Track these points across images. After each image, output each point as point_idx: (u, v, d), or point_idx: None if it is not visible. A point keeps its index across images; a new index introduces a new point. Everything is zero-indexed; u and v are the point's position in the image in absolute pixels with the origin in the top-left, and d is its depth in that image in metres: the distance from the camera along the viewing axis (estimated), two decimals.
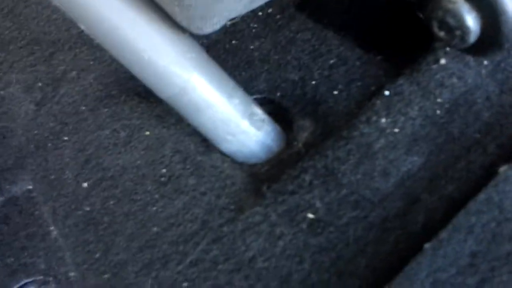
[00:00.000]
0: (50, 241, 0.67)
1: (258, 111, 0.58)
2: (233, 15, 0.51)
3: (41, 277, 0.64)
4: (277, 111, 0.66)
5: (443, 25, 0.46)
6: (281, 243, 0.50)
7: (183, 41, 0.52)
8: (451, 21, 0.45)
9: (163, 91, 0.53)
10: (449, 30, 0.46)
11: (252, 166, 0.63)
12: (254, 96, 0.66)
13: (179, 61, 0.52)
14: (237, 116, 0.56)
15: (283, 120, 0.65)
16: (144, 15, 0.50)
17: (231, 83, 0.56)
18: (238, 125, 0.56)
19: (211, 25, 0.49)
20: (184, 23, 0.50)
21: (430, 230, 0.44)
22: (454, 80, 0.53)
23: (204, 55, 0.54)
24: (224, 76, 0.56)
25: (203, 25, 0.49)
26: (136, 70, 0.52)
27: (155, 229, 0.57)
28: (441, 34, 0.47)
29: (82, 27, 0.51)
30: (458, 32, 0.45)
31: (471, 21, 0.45)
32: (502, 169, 0.44)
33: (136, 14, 0.50)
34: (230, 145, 0.58)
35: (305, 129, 0.62)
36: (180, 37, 0.51)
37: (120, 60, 0.52)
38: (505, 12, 0.43)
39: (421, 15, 0.50)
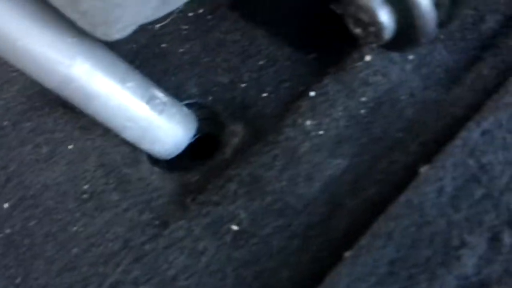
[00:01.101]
0: None
1: (159, 94, 0.54)
2: (142, 21, 0.48)
3: None
4: (209, 116, 0.64)
5: (357, 21, 0.44)
6: (204, 258, 0.48)
7: (61, 25, 0.48)
8: (364, 17, 0.43)
9: (46, 81, 0.49)
10: (364, 26, 0.44)
11: (183, 176, 0.61)
12: (186, 101, 0.64)
13: (58, 47, 0.48)
14: (134, 100, 0.52)
15: (216, 125, 0.63)
16: (13, 1, 0.46)
17: (122, 66, 0.52)
18: (137, 110, 0.52)
19: (118, 30, 0.46)
20: (88, 30, 0.46)
21: (352, 237, 0.42)
22: (379, 77, 0.51)
23: (88, 38, 0.50)
24: (114, 59, 0.52)
25: (108, 31, 0.46)
26: (13, 61, 0.48)
27: (75, 250, 0.54)
28: (357, 30, 0.45)
29: None
30: (372, 29, 0.43)
31: (384, 16, 0.43)
32: (423, 169, 0.42)
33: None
34: (132, 131, 0.54)
35: (235, 134, 0.60)
36: (56, 21, 0.47)
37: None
38: (418, 6, 0.41)
39: (338, 11, 0.48)
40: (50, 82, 0.48)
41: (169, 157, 0.58)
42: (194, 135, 0.59)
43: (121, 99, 0.51)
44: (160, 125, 0.54)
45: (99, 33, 0.47)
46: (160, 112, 0.53)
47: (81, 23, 0.46)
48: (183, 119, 0.56)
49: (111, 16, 0.44)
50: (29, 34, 0.45)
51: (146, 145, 0.55)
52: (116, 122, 0.52)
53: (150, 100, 0.52)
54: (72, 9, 0.43)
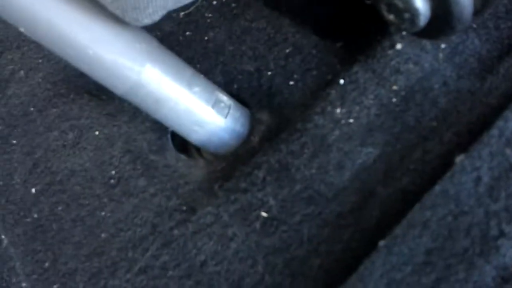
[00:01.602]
0: (1, 250, 0.64)
1: (223, 98, 0.55)
2: (171, 6, 0.48)
3: None
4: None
5: (391, 8, 0.43)
6: (233, 245, 0.47)
7: (130, 32, 0.48)
8: (399, 3, 0.42)
9: (116, 87, 0.50)
10: (398, 13, 0.43)
11: (209, 163, 0.61)
12: None
13: (128, 53, 0.49)
14: (201, 105, 0.53)
15: None
16: (82, 8, 0.47)
17: (189, 71, 0.53)
18: (204, 114, 0.53)
19: (147, 15, 0.46)
20: (118, 14, 0.47)
21: (385, 226, 0.41)
22: (410, 65, 0.51)
23: (155, 44, 0.51)
24: (181, 64, 0.53)
25: (138, 16, 0.46)
26: (84, 68, 0.49)
27: (103, 235, 0.54)
28: (391, 17, 0.44)
29: (22, 29, 0.48)
30: (407, 15, 0.43)
31: (420, 2, 0.42)
32: (459, 159, 0.41)
33: (72, 9, 0.47)
34: (199, 135, 0.54)
35: (262, 123, 0.60)
36: (125, 28, 0.48)
37: (67, 60, 0.49)
38: None
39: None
40: (119, 88, 0.49)
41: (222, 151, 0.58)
42: None
43: (188, 104, 0.51)
44: (226, 128, 0.54)
45: (129, 17, 0.47)
46: (226, 115, 0.54)
47: (112, 7, 0.46)
48: (246, 121, 0.57)
49: (141, 1, 0.44)
50: (101, 43, 0.46)
51: (212, 148, 0.56)
52: (184, 125, 0.53)
53: (215, 104, 0.53)
54: None
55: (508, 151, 0.40)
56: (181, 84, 0.51)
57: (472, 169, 0.40)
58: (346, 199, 0.46)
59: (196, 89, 0.52)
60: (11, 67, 0.74)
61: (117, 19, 0.47)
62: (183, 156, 0.60)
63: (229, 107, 0.55)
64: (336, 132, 0.50)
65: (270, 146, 0.53)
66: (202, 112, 0.53)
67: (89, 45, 0.48)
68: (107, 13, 0.47)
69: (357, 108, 0.50)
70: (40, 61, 0.74)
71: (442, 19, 0.43)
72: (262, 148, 0.54)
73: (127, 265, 0.51)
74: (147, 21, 0.47)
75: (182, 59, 0.58)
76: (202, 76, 0.55)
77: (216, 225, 0.49)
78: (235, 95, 0.63)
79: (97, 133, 0.62)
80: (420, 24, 0.43)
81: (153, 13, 0.46)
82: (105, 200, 0.56)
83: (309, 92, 0.58)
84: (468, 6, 0.42)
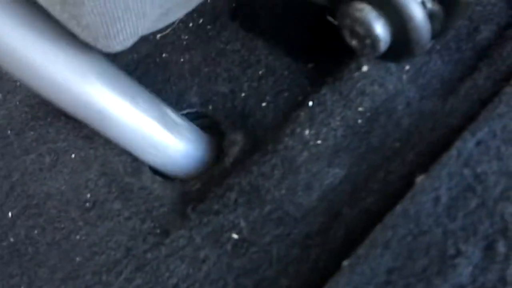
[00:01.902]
0: None
1: (170, 113, 0.56)
2: (142, 32, 0.49)
3: None
4: (210, 125, 0.65)
5: (353, 33, 0.45)
6: (205, 267, 0.48)
7: (75, 50, 0.49)
8: (360, 29, 0.44)
9: (65, 107, 0.51)
10: (360, 38, 0.45)
11: (184, 184, 0.61)
12: (187, 111, 0.65)
13: (74, 74, 0.50)
14: (146, 119, 0.54)
15: (217, 134, 0.64)
16: (27, 20, 0.47)
17: (134, 87, 0.54)
18: (149, 128, 0.54)
19: (119, 42, 0.47)
20: (90, 42, 0.48)
21: (350, 246, 0.42)
22: (375, 87, 0.52)
23: (99, 57, 0.51)
24: (126, 79, 0.53)
25: (109, 43, 0.47)
26: (36, 88, 0.49)
27: (78, 258, 0.54)
28: (353, 42, 0.46)
29: None
30: (368, 41, 0.44)
31: (380, 29, 0.44)
32: (419, 179, 0.43)
33: (18, 20, 0.47)
34: (147, 155, 0.56)
35: (236, 144, 0.61)
36: (70, 46, 0.49)
37: (13, 74, 0.49)
38: (412, 19, 0.42)
39: (334, 24, 0.49)
40: (69, 106, 0.49)
41: (181, 175, 0.59)
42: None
43: (136, 121, 0.52)
44: (175, 147, 0.55)
45: (101, 45, 0.48)
46: (172, 131, 0.54)
47: (83, 36, 0.47)
48: (195, 138, 0.57)
49: (112, 29, 0.45)
50: (51, 61, 0.47)
51: (161, 167, 0.57)
52: (132, 145, 0.54)
53: (161, 118, 0.53)
54: (74, 23, 0.44)
55: (465, 171, 0.41)
56: (126, 101, 0.52)
57: (432, 189, 0.41)
58: (314, 219, 0.47)
59: (140, 102, 0.53)
60: None
61: (61, 32, 0.48)
62: (158, 178, 0.61)
63: (176, 124, 0.56)
64: (305, 154, 0.51)
65: (242, 168, 0.54)
66: (147, 126, 0.54)
67: (38, 64, 0.48)
68: (52, 25, 0.47)
69: (324, 129, 0.51)
70: (17, 84, 0.74)
71: (401, 44, 0.45)
72: (235, 170, 0.55)
73: None
74: (119, 47, 0.48)
75: (158, 80, 0.59)
76: (147, 90, 0.55)
77: (189, 248, 0.50)
78: (210, 116, 0.64)
79: (73, 156, 0.63)
80: (380, 49, 0.45)
81: (125, 40, 0.47)
82: (80, 223, 0.57)
83: (281, 113, 0.59)
84: (426, 31, 0.44)
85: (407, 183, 0.44)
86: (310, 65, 0.63)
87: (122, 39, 0.47)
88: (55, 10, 0.40)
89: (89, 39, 0.47)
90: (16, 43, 0.46)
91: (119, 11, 0.40)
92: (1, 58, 0.47)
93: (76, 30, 0.46)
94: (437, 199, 0.40)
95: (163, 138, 0.54)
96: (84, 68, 0.49)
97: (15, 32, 0.46)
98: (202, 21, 0.71)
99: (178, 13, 0.53)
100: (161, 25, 0.52)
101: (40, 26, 0.47)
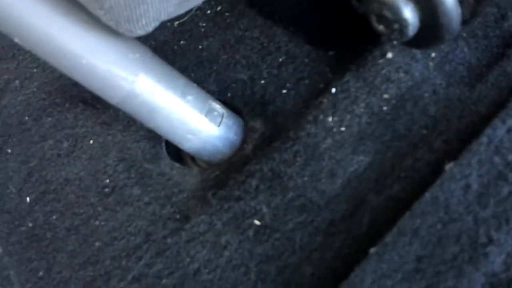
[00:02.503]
0: None
1: (216, 106, 0.56)
2: (164, 17, 0.48)
3: None
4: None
5: (381, 18, 0.44)
6: (226, 253, 0.48)
7: (123, 42, 0.49)
8: (388, 14, 0.43)
9: (110, 97, 0.50)
10: (387, 23, 0.44)
11: (203, 171, 0.61)
12: None
13: (121, 63, 0.50)
14: (194, 113, 0.53)
15: None
16: (75, 20, 0.48)
17: (182, 80, 0.54)
18: (197, 123, 0.54)
19: (141, 27, 0.47)
20: (112, 26, 0.47)
21: (376, 234, 0.42)
22: (401, 74, 0.51)
23: (149, 54, 0.51)
24: (174, 73, 0.53)
25: (131, 27, 0.46)
26: (78, 78, 0.49)
27: (97, 243, 0.54)
28: (380, 28, 0.45)
29: (16, 40, 0.48)
30: (396, 26, 0.43)
31: (409, 13, 0.43)
32: (448, 166, 0.42)
33: (66, 19, 0.47)
34: (192, 144, 0.55)
35: (255, 131, 0.60)
36: (118, 38, 0.49)
37: (61, 70, 0.49)
38: (443, 3, 0.41)
39: (359, 9, 0.48)
40: (113, 97, 0.49)
41: (216, 160, 0.58)
42: None
43: (182, 113, 0.52)
44: (219, 136, 0.55)
45: (123, 29, 0.47)
46: (219, 124, 0.54)
47: (106, 19, 0.46)
48: (239, 129, 0.57)
49: (135, 13, 0.44)
50: (94, 53, 0.47)
51: (206, 156, 0.57)
52: (177, 134, 0.53)
53: (208, 113, 0.53)
54: (97, 6, 0.44)
55: (496, 159, 0.40)
56: (174, 93, 0.52)
57: (462, 177, 0.40)
58: (338, 207, 0.46)
59: (189, 97, 0.53)
60: (6, 76, 0.74)
61: (110, 30, 0.48)
62: (177, 164, 0.61)
63: (222, 116, 0.56)
64: (328, 141, 0.50)
65: (263, 155, 0.53)
66: (196, 121, 0.54)
67: (83, 55, 0.48)
68: (101, 23, 0.47)
69: (348, 116, 0.51)
70: (35, 70, 0.74)
71: (430, 30, 0.44)
72: (256, 156, 0.54)
73: (120, 274, 0.51)
74: (141, 32, 0.48)
75: (175, 68, 0.58)
76: (195, 85, 0.55)
77: (210, 234, 0.49)
78: (229, 104, 0.64)
79: (91, 142, 0.63)
80: (409, 34, 0.44)
81: (147, 25, 0.46)
82: (100, 209, 0.56)
83: (302, 101, 0.58)
84: (456, 16, 0.43)
85: (435, 171, 0.43)
86: (330, 53, 0.62)
87: (145, 23, 0.47)
88: None
89: (111, 22, 0.47)
90: (67, 40, 0.46)
91: None
92: (50, 53, 0.47)
93: (99, 12, 0.45)
94: (467, 187, 0.40)
95: (210, 131, 0.54)
96: (135, 65, 0.49)
97: (66, 31, 0.46)
98: (220, 8, 0.70)
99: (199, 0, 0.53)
100: (182, 10, 0.52)
101: (90, 26, 0.46)
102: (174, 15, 0.51)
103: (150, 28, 0.48)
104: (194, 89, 0.54)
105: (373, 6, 0.45)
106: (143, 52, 0.51)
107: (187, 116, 0.53)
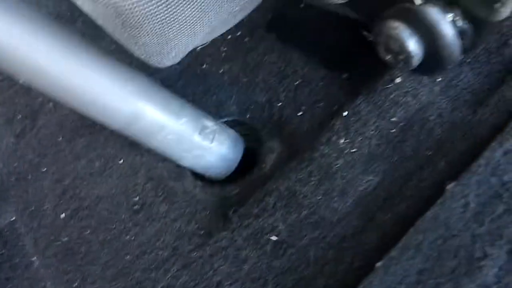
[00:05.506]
0: (33, 272, 0.69)
1: (209, 124, 0.60)
2: (191, 48, 0.53)
3: None
4: (248, 132, 0.68)
5: (388, 49, 0.48)
6: (246, 266, 0.52)
7: (122, 74, 0.53)
8: (394, 46, 0.47)
9: (112, 124, 0.55)
10: (394, 54, 0.48)
11: (223, 189, 0.65)
12: (225, 119, 0.68)
13: (121, 95, 0.54)
14: (188, 133, 0.58)
15: (254, 141, 0.67)
16: (76, 54, 0.51)
17: (177, 103, 0.58)
18: (191, 141, 0.58)
19: (170, 59, 0.51)
20: (143, 59, 0.52)
21: (383, 248, 0.45)
22: (409, 98, 0.55)
23: (146, 83, 0.55)
24: (170, 98, 0.58)
25: (161, 60, 0.51)
26: (84, 111, 0.54)
27: (128, 257, 0.59)
28: (388, 58, 0.49)
29: (21, 81, 0.52)
30: (401, 56, 0.47)
31: (413, 45, 0.46)
32: (449, 186, 0.45)
33: (68, 54, 0.50)
34: (187, 160, 0.59)
35: (273, 151, 0.64)
36: (117, 71, 0.53)
37: (66, 105, 0.54)
38: (443, 37, 0.45)
39: (369, 39, 0.52)
40: (115, 125, 0.54)
41: (221, 178, 0.63)
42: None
43: (177, 133, 0.56)
44: (212, 152, 0.59)
45: (153, 61, 0.52)
46: (211, 140, 0.58)
47: (139, 53, 0.51)
48: (232, 143, 0.61)
49: (165, 48, 0.49)
50: (96, 88, 0.51)
51: (200, 170, 0.61)
52: (173, 153, 0.58)
53: (202, 131, 0.58)
54: (132, 42, 0.48)
55: (493, 179, 0.44)
56: (169, 117, 0.56)
57: (461, 196, 0.44)
58: (349, 223, 0.50)
59: (184, 119, 0.57)
60: (40, 99, 0.79)
61: (111, 68, 0.52)
62: (199, 182, 0.65)
63: (215, 132, 0.60)
64: (340, 161, 0.54)
65: (280, 174, 0.57)
66: (190, 140, 0.58)
67: (86, 92, 0.52)
68: (102, 63, 0.52)
69: (359, 138, 0.55)
70: None
71: (433, 60, 0.48)
72: (273, 176, 0.58)
73: (150, 285, 0.55)
74: (169, 63, 0.52)
75: (198, 91, 0.62)
76: (189, 105, 0.59)
77: (231, 248, 0.54)
78: (248, 125, 0.68)
79: (121, 161, 0.67)
80: (413, 64, 0.48)
81: (175, 57, 0.51)
82: (130, 224, 0.61)
83: (316, 122, 0.62)
84: (456, 49, 0.46)
85: (438, 190, 0.47)
86: (344, 76, 0.65)
87: (174, 56, 0.51)
88: (116, 31, 0.45)
89: (143, 56, 0.51)
90: (70, 69, 0.50)
91: (172, 32, 0.44)
92: (52, 85, 0.50)
93: (133, 48, 0.50)
94: (466, 205, 0.43)
95: (203, 147, 0.58)
96: (133, 95, 0.53)
97: (68, 60, 0.49)
98: (240, 34, 0.74)
99: (222, 30, 0.57)
100: (207, 40, 0.56)
101: (91, 55, 0.51)
102: (198, 45, 0.56)
103: (178, 59, 0.53)
104: (188, 110, 0.58)
105: (380, 38, 0.49)
106: (140, 82, 0.55)
107: (182, 137, 0.57)
